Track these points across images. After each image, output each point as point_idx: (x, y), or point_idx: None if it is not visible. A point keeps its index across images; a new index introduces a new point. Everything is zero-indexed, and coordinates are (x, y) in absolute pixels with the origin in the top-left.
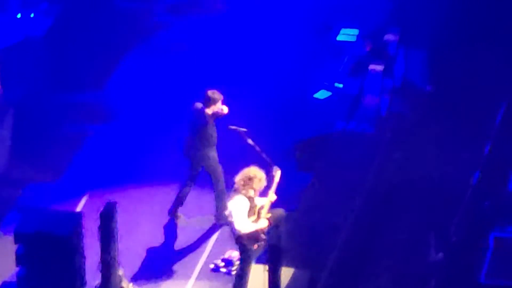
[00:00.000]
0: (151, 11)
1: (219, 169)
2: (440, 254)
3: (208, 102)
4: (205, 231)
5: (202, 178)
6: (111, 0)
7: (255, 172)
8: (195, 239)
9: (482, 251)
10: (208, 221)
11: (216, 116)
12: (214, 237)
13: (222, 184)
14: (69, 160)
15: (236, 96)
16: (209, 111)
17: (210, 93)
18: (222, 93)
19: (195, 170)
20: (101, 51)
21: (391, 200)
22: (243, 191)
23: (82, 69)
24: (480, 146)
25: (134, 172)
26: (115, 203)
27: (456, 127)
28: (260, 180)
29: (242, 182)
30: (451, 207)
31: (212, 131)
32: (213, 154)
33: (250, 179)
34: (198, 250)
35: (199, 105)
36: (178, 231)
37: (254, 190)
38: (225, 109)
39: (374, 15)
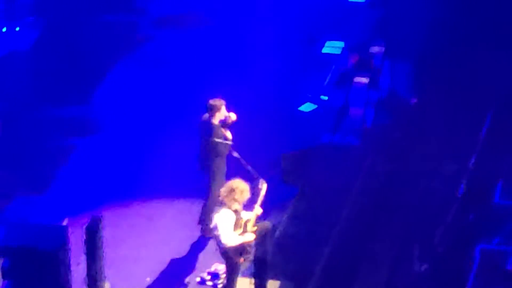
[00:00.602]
0: (137, 24)
1: (220, 182)
2: (425, 266)
3: (212, 111)
4: (191, 244)
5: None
6: (96, 13)
7: (237, 184)
8: (181, 252)
9: (468, 263)
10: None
11: (225, 124)
12: (200, 250)
13: (215, 199)
14: (55, 174)
15: None
16: (215, 120)
17: (211, 101)
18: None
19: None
20: (87, 64)
21: (376, 212)
22: (228, 204)
23: (68, 82)
24: (465, 158)
25: (121, 186)
26: (101, 216)
27: (441, 139)
28: (242, 191)
29: (224, 195)
30: (436, 219)
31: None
32: (220, 165)
33: (232, 190)
34: (184, 263)
35: (206, 116)
36: (164, 244)
37: (238, 202)
38: (233, 116)
39: (360, 28)
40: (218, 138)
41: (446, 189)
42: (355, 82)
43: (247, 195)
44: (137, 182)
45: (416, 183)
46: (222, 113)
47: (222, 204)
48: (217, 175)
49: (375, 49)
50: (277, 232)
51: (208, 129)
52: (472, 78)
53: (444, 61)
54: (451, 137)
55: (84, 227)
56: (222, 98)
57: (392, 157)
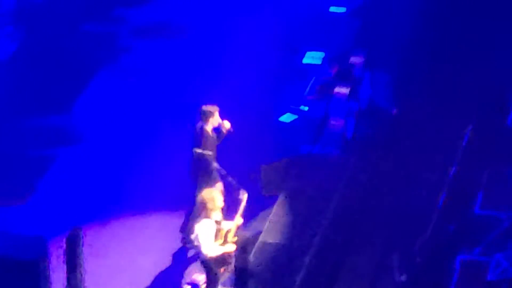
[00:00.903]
0: (116, 34)
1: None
2: (404, 276)
3: (204, 117)
4: (172, 254)
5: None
6: (75, 23)
7: (206, 194)
8: (162, 262)
9: (448, 273)
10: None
11: (220, 133)
12: (181, 260)
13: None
14: (36, 184)
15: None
16: (207, 127)
17: (204, 107)
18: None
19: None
20: (66, 74)
21: (356, 222)
22: (206, 215)
23: (47, 92)
24: (446, 168)
25: (102, 196)
26: (81, 227)
27: (422, 149)
28: (212, 200)
29: (200, 207)
30: (416, 229)
31: (212, 149)
32: (205, 175)
33: (204, 202)
34: (165, 274)
35: (199, 124)
36: (145, 254)
37: (214, 211)
38: (227, 124)
39: (340, 38)
40: (209, 146)
41: (426, 199)
42: (336, 93)
43: (219, 201)
44: (118, 192)
45: (397, 193)
46: (216, 120)
47: (201, 215)
48: (202, 185)
49: (355, 59)
50: (258, 243)
51: (199, 136)
52: (453, 88)
53: (424, 71)
54: (431, 147)
55: (65, 237)
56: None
57: (373, 167)
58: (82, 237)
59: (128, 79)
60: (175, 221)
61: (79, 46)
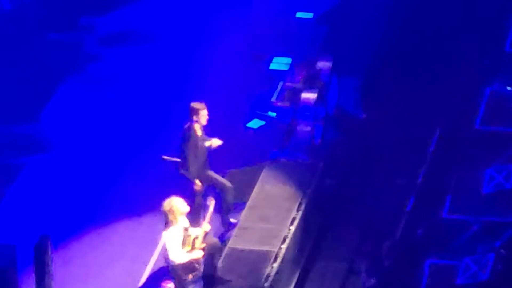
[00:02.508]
0: (83, 42)
1: (199, 190)
2: (373, 280)
3: (192, 113)
4: (140, 261)
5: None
6: (42, 32)
7: (170, 202)
8: (130, 269)
9: (417, 277)
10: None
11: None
12: (149, 267)
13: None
14: (4, 192)
15: (169, 126)
16: (196, 126)
17: (193, 104)
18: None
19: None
20: (34, 83)
21: (325, 227)
22: (173, 222)
23: (15, 101)
24: (414, 173)
25: (71, 204)
26: (49, 236)
27: (390, 154)
28: (177, 206)
29: (166, 216)
30: (385, 234)
31: (202, 145)
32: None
33: (169, 211)
34: (134, 281)
35: (189, 123)
36: (114, 261)
37: (180, 216)
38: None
39: (307, 43)
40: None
41: (395, 204)
42: (303, 98)
43: (183, 206)
44: (87, 200)
45: (365, 198)
46: (203, 116)
47: (168, 223)
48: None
49: (322, 64)
50: (226, 249)
51: (188, 132)
52: (420, 93)
53: (392, 76)
54: (399, 152)
55: (33, 246)
56: (170, 116)
57: (341, 172)
58: (51, 245)
59: (96, 87)
60: (143, 227)
61: (46, 55)
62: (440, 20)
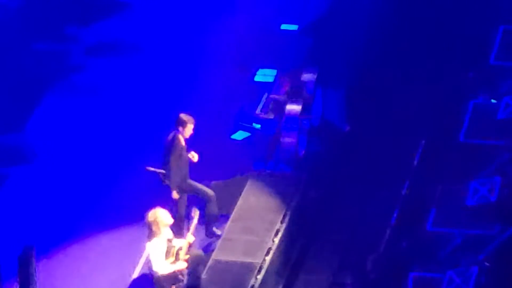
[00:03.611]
0: (69, 53)
1: (182, 200)
2: None
3: (179, 124)
4: (124, 271)
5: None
6: (27, 42)
7: (154, 214)
8: (114, 280)
9: None
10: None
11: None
12: (133, 278)
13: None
14: None
15: (152, 137)
16: (180, 136)
17: (182, 115)
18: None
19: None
20: (18, 93)
21: (309, 239)
22: (157, 233)
23: None
24: (398, 185)
25: (54, 214)
26: (33, 246)
27: (374, 166)
28: (161, 216)
29: (150, 229)
30: (369, 246)
31: (185, 155)
32: (180, 179)
33: (153, 222)
34: None
35: (174, 133)
36: (98, 272)
37: (163, 228)
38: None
39: (292, 55)
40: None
41: (379, 216)
42: (288, 110)
43: (167, 218)
44: (70, 211)
45: (349, 210)
46: (189, 130)
47: (151, 234)
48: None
49: (307, 76)
50: (210, 260)
51: (172, 142)
52: (405, 105)
53: (377, 88)
54: (383, 164)
55: (17, 257)
56: (154, 127)
57: (325, 184)
58: (35, 256)
59: (81, 97)
60: (126, 237)
61: (31, 64)
62: (425, 33)
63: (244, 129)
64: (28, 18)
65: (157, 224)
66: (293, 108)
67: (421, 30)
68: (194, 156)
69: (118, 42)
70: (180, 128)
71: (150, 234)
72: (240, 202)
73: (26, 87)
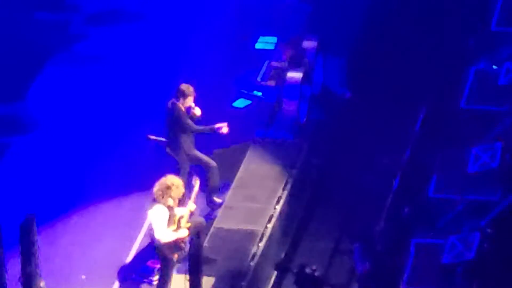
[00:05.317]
0: (70, 22)
1: (184, 169)
2: (367, 264)
3: (179, 95)
4: (126, 240)
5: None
6: (29, 11)
7: (172, 180)
8: (116, 249)
9: (403, 257)
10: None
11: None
12: (134, 246)
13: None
14: None
15: (155, 105)
16: (181, 105)
17: (183, 86)
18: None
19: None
20: (20, 62)
21: (311, 208)
22: (162, 201)
23: (0, 80)
24: (400, 151)
25: (55, 184)
26: (34, 215)
27: (375, 133)
28: (177, 187)
29: (160, 192)
30: (372, 214)
31: (188, 124)
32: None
33: (168, 187)
34: (119, 260)
35: (171, 101)
36: (99, 241)
37: (173, 199)
38: (198, 111)
39: (292, 23)
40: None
41: (380, 183)
42: (289, 78)
43: (182, 190)
44: (71, 180)
45: (351, 178)
46: (188, 102)
47: (155, 200)
48: (184, 160)
49: (308, 44)
50: (212, 228)
51: (174, 111)
52: (406, 72)
53: (377, 56)
54: (385, 131)
55: (19, 225)
56: (157, 95)
57: (326, 151)
58: (36, 225)
59: (82, 66)
60: (127, 207)
61: (32, 34)
62: (426, 0)
63: (246, 96)
64: None
65: (172, 191)
66: (294, 75)
67: None
68: (223, 128)
69: (119, 11)
70: (181, 99)
71: (154, 199)
72: (241, 169)
73: (28, 56)
